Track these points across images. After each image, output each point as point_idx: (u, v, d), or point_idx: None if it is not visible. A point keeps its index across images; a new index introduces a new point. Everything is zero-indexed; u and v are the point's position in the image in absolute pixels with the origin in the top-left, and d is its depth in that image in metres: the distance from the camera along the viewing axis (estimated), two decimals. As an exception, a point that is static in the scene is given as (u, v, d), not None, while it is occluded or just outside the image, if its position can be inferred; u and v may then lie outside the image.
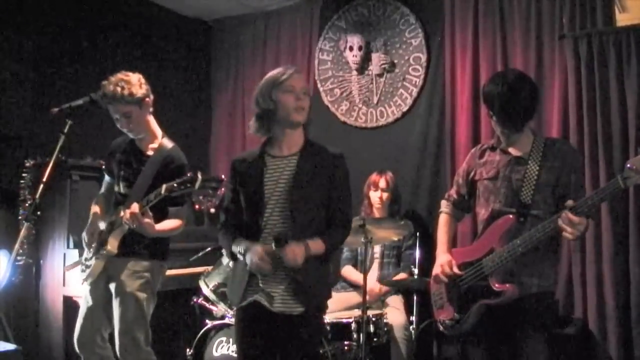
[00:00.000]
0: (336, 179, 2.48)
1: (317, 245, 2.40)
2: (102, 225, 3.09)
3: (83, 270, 3.13)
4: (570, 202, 2.30)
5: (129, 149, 3.16)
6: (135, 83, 3.04)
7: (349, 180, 2.55)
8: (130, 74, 3.07)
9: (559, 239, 2.47)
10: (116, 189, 3.15)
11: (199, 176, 2.61)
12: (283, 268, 2.38)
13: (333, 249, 2.53)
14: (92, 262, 3.05)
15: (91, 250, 3.10)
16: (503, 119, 2.53)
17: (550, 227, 2.36)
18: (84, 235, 3.14)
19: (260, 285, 2.42)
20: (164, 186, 2.78)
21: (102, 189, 3.31)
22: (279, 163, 2.48)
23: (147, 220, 2.87)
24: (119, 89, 2.97)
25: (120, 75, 3.04)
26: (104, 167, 3.29)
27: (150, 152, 3.13)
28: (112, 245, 2.99)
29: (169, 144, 3.16)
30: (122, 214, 2.94)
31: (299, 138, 2.53)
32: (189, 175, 2.69)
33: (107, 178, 3.28)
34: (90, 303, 3.08)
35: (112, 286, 3.05)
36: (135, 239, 3.01)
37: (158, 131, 3.19)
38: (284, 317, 2.38)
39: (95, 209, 3.20)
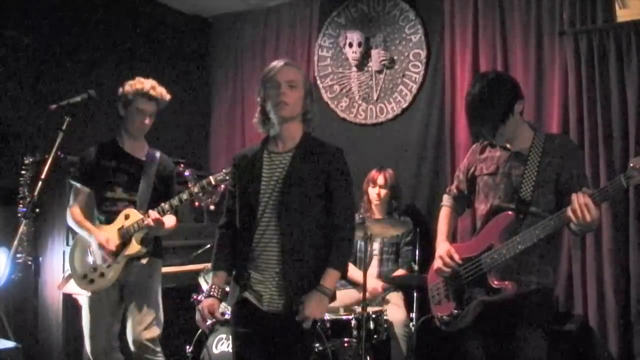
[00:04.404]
0: (333, 176, 2.39)
1: (332, 279, 2.35)
2: (105, 235, 3.06)
3: (92, 281, 3.06)
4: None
5: (118, 155, 3.16)
6: None
7: (350, 176, 2.47)
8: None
9: (559, 236, 2.46)
10: (109, 194, 3.12)
11: (212, 180, 2.90)
12: (273, 267, 2.36)
13: (345, 267, 2.49)
14: (109, 269, 3.04)
15: (102, 258, 3.05)
16: (472, 128, 2.62)
17: (552, 225, 2.34)
18: (95, 245, 3.06)
19: (252, 284, 2.39)
20: (186, 191, 2.98)
21: (76, 200, 3.18)
22: (275, 160, 2.43)
23: (166, 224, 3.07)
24: (159, 91, 3.13)
25: (147, 79, 3.13)
26: (75, 178, 3.18)
27: (142, 157, 3.20)
28: (137, 248, 3.05)
29: (154, 149, 3.27)
30: (137, 218, 3.03)
31: (296, 133, 2.44)
32: (208, 180, 2.92)
33: (79, 187, 3.17)
34: (102, 309, 3.08)
35: (127, 287, 3.09)
36: (147, 239, 3.10)
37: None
38: (273, 315, 2.34)
39: (80, 219, 3.13)
